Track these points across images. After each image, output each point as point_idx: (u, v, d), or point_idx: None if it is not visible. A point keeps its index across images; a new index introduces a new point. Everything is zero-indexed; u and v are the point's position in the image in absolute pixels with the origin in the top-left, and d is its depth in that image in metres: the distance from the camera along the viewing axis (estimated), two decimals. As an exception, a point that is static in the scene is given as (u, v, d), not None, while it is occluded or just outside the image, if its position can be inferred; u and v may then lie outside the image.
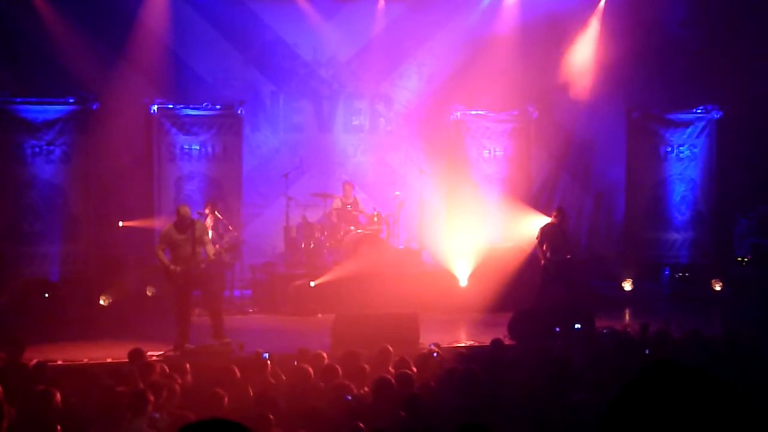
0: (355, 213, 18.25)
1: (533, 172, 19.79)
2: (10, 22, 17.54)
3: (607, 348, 11.60)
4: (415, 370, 9.68)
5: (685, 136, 19.52)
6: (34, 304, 15.57)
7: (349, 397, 8.09)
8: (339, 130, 20.43)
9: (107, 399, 7.97)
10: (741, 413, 2.14)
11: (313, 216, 18.57)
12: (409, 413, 7.58)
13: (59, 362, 12.10)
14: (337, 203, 18.35)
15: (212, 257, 13.80)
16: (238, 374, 9.56)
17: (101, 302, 16.51)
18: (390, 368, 9.71)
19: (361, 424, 7.21)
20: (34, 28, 17.58)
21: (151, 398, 7.79)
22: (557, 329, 13.56)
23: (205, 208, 16.85)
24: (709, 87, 19.86)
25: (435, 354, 11.04)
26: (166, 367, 10.03)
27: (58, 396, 7.97)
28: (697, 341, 11.61)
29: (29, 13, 17.52)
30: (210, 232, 16.37)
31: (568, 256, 16.70)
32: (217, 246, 14.71)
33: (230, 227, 16.96)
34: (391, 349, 10.47)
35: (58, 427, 7.42)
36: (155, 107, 17.58)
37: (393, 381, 8.26)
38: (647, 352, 11.10)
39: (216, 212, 16.79)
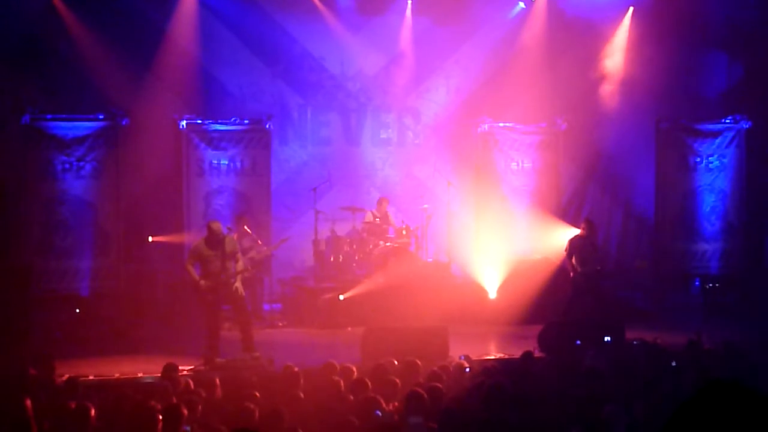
0: (384, 226, 18.25)
1: (562, 184, 19.77)
2: (39, 39, 17.66)
3: (637, 359, 11.53)
4: (445, 383, 9.64)
5: (714, 146, 19.45)
6: (65, 320, 15.70)
7: (380, 413, 8.06)
8: (367, 143, 20.43)
9: (139, 414, 7.98)
10: None
11: (341, 229, 18.58)
12: (441, 426, 7.55)
13: (91, 377, 12.17)
14: (369, 217, 18.34)
15: (240, 270, 13.79)
16: (268, 388, 9.57)
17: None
18: (420, 381, 9.68)
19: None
20: (63, 45, 17.68)
21: (185, 412, 7.80)
22: (578, 342, 13.47)
23: (240, 224, 16.94)
24: (738, 97, 19.76)
25: (467, 369, 10.98)
26: (196, 382, 10.06)
27: (93, 412, 8.00)
28: (730, 352, 11.52)
29: (59, 30, 17.62)
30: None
31: (598, 268, 16.65)
32: (252, 254, 14.90)
33: (259, 241, 17.04)
34: (419, 362, 10.45)
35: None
36: (184, 122, 17.68)
37: (424, 394, 8.23)
38: (674, 363, 11.02)
39: (245, 227, 16.85)
